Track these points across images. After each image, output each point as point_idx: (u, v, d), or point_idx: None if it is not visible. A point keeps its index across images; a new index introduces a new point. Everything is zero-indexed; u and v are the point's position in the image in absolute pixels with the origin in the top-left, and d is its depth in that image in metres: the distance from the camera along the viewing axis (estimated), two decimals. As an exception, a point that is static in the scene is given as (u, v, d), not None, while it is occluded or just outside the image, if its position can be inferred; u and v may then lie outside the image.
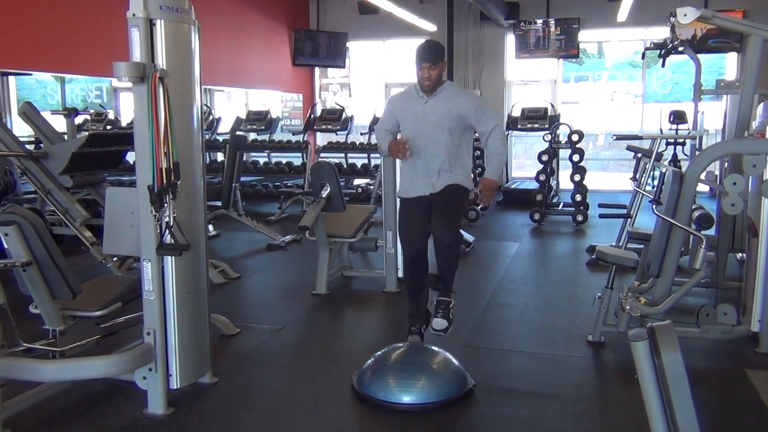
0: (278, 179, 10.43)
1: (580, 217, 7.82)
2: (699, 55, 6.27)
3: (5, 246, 2.83)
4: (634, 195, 6.07)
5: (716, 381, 3.45)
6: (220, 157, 9.58)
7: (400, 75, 12.22)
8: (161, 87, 2.76)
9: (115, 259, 4.80)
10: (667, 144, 8.57)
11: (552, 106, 10.37)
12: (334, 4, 12.10)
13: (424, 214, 3.53)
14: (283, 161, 10.29)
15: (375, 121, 9.49)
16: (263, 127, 10.59)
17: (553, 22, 10.96)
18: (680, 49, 5.72)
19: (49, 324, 3.05)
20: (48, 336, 3.08)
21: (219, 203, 6.47)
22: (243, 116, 10.77)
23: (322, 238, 5.01)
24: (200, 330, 3.16)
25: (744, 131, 4.37)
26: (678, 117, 8.54)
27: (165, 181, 2.75)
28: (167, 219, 2.79)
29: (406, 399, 3.05)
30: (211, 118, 10.15)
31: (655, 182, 5.85)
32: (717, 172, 5.62)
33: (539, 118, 9.90)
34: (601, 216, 5.59)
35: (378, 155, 8.01)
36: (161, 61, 2.83)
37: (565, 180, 8.67)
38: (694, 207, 3.61)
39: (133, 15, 2.79)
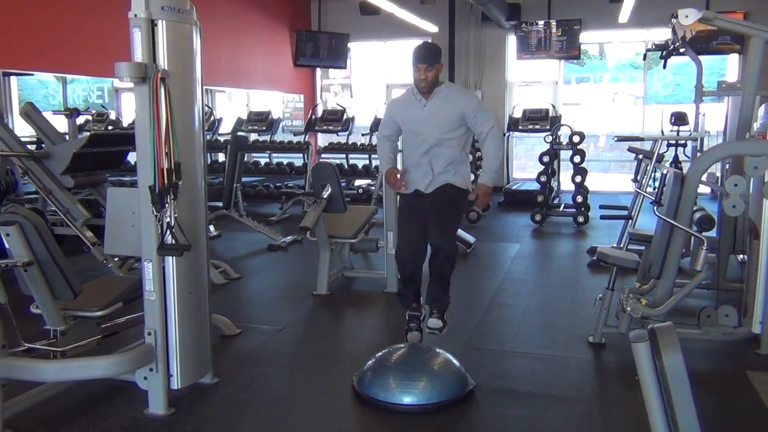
0: (279, 180, 10.43)
1: (581, 219, 7.82)
2: (700, 57, 6.26)
3: (6, 246, 2.83)
4: (635, 196, 6.07)
5: (717, 383, 3.45)
6: (221, 157, 9.58)
7: (401, 76, 12.20)
8: (163, 87, 2.76)
9: (116, 259, 4.81)
10: (669, 145, 8.57)
11: (553, 107, 10.38)
12: (336, 5, 12.10)
13: (421, 225, 3.55)
14: (284, 162, 10.31)
15: (376, 122, 9.51)
16: (264, 128, 10.62)
17: (555, 23, 10.94)
18: (681, 50, 5.71)
19: (50, 324, 3.05)
20: (49, 336, 3.08)
21: (220, 204, 6.48)
22: (244, 117, 10.78)
23: (323, 238, 5.01)
24: (201, 330, 3.16)
25: (745, 133, 4.37)
26: (679, 118, 8.53)
27: (166, 182, 2.75)
28: (168, 219, 2.79)
29: (407, 400, 3.05)
30: (212, 118, 10.15)
31: (656, 183, 5.83)
32: (718, 174, 5.61)
33: (540, 120, 9.92)
34: (602, 217, 5.58)
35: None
36: (163, 61, 2.83)
37: (566, 181, 8.68)
38: (695, 208, 3.61)
39: (135, 15, 2.80)
